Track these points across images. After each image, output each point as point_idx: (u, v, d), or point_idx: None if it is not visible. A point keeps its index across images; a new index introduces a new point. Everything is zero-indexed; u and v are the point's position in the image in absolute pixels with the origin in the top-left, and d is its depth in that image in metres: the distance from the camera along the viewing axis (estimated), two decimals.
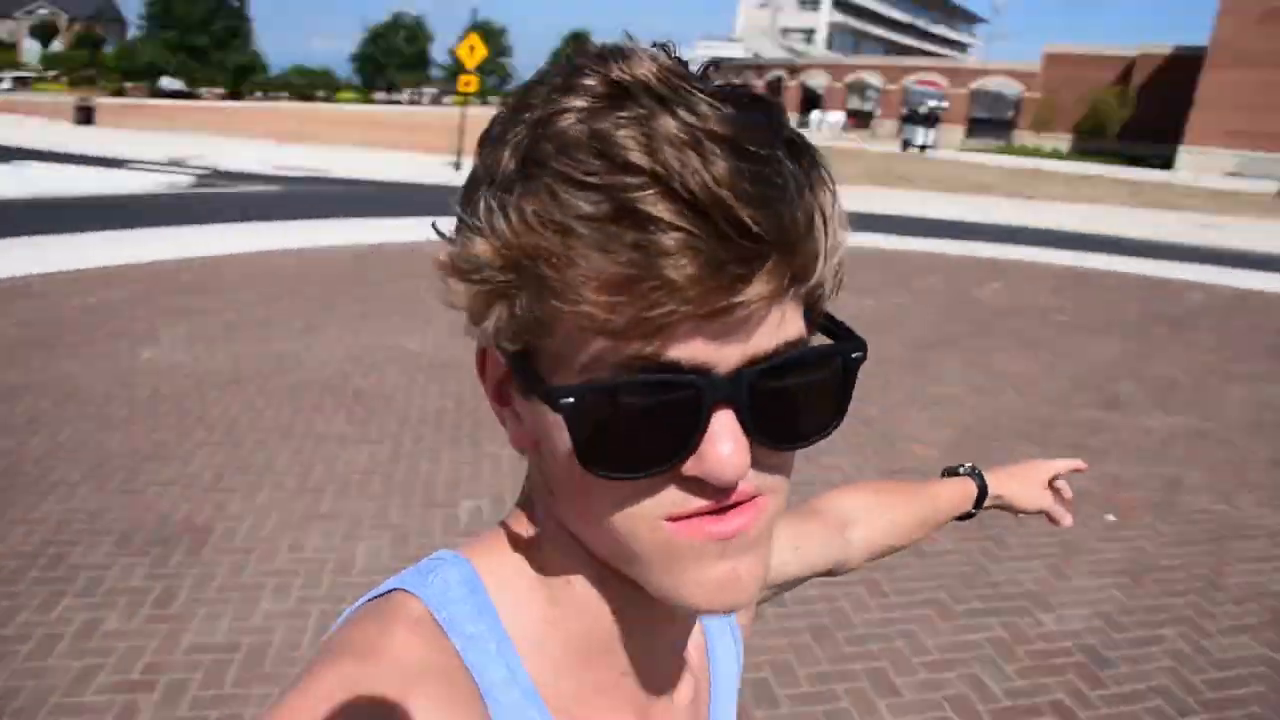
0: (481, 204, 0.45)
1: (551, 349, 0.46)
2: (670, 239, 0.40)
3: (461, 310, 0.48)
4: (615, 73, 0.44)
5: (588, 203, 0.41)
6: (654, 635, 0.56)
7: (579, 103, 0.44)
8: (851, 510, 0.95)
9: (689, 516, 0.46)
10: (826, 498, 0.95)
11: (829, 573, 0.91)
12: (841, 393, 0.49)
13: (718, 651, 0.68)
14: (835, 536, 0.91)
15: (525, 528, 0.56)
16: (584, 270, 0.42)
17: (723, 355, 0.44)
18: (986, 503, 1.04)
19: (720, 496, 0.46)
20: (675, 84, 0.43)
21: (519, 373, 0.48)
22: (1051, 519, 1.08)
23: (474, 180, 0.48)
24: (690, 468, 0.45)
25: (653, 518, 0.47)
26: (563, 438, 0.46)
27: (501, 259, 0.44)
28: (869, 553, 0.95)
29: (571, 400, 0.44)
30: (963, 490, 1.03)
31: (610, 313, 0.42)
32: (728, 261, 0.41)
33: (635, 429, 0.45)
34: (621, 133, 0.41)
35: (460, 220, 0.47)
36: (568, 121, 0.43)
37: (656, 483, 0.46)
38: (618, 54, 0.45)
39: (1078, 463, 1.10)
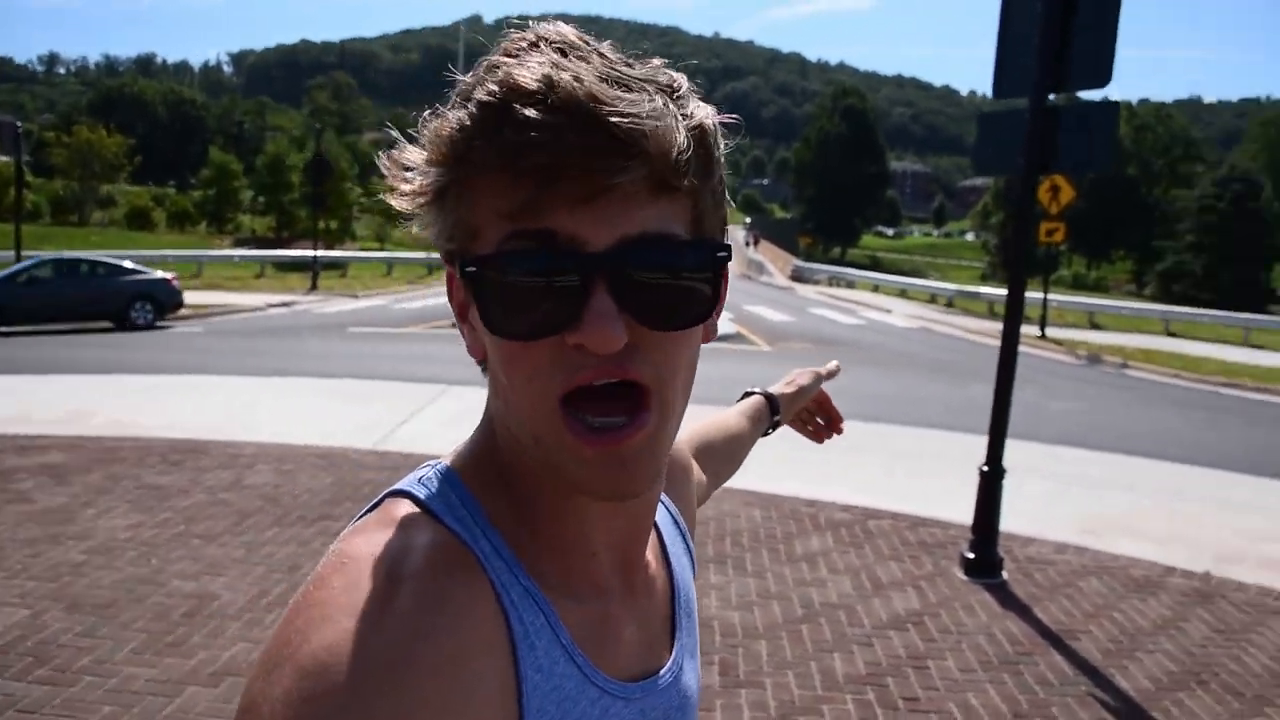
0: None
1: (472, 241, 0.54)
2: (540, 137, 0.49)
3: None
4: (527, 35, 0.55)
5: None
6: (604, 523, 0.60)
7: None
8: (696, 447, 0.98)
9: (579, 394, 0.52)
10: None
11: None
12: (712, 287, 0.55)
13: (674, 551, 0.73)
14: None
15: (486, 433, 0.61)
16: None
17: (597, 234, 0.50)
18: (778, 419, 1.12)
19: (605, 366, 0.51)
20: (572, 42, 0.53)
21: (454, 268, 0.55)
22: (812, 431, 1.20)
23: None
24: (573, 336, 0.51)
25: (551, 398, 0.52)
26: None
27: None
28: (715, 484, 1.00)
29: (474, 269, 0.51)
30: (761, 408, 1.10)
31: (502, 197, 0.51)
32: (593, 156, 0.49)
33: (524, 295, 0.51)
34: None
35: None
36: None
37: (552, 354, 0.52)
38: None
39: (832, 364, 1.19)
